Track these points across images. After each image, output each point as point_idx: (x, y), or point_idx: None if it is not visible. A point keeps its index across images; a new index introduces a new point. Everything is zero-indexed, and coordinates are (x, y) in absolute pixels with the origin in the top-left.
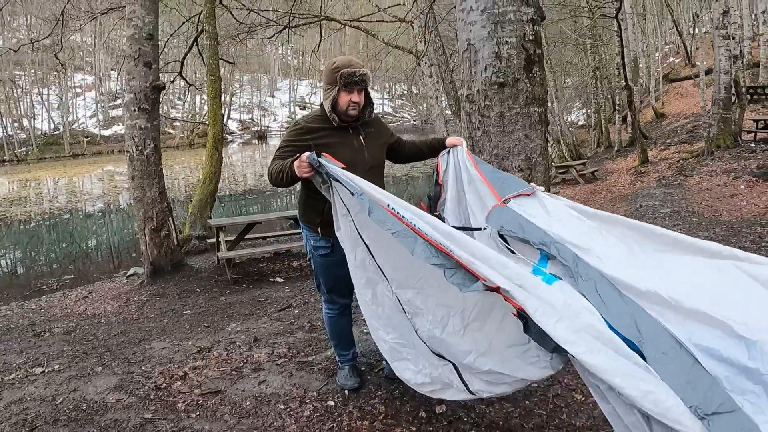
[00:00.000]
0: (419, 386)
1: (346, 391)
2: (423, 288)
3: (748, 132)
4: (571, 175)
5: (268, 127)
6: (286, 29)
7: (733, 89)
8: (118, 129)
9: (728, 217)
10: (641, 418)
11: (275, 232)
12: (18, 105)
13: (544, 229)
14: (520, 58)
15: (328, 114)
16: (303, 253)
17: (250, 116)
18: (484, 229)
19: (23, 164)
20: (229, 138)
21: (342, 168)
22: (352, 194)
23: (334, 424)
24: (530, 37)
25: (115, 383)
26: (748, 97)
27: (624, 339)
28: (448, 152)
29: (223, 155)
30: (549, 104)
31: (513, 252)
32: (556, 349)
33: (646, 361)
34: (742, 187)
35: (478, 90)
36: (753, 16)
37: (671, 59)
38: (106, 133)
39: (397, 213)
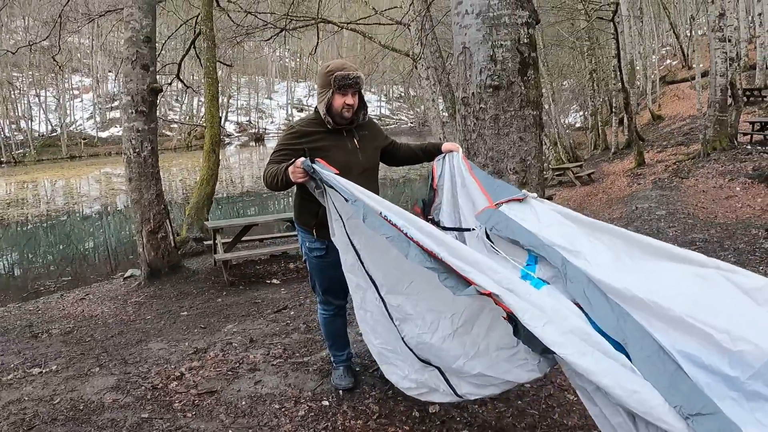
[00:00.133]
0: (406, 390)
1: (341, 391)
2: (413, 293)
3: (744, 134)
4: (568, 177)
5: (265, 129)
6: (283, 32)
7: (730, 91)
8: (116, 131)
9: (723, 218)
10: (627, 418)
11: (272, 234)
12: (15, 107)
13: (534, 232)
14: (515, 62)
15: (323, 117)
16: (299, 255)
17: (247, 118)
18: (473, 230)
19: (20, 166)
20: (227, 140)
21: (336, 173)
22: (346, 200)
23: (329, 424)
24: (525, 41)
25: (112, 383)
26: (745, 99)
27: (610, 340)
28: (444, 157)
29: (221, 157)
30: (546, 107)
31: (498, 253)
32: (545, 351)
33: (631, 362)
34: (738, 189)
35: (473, 93)
36: (750, 18)
37: (668, 61)
38: (104, 134)
39: (390, 220)
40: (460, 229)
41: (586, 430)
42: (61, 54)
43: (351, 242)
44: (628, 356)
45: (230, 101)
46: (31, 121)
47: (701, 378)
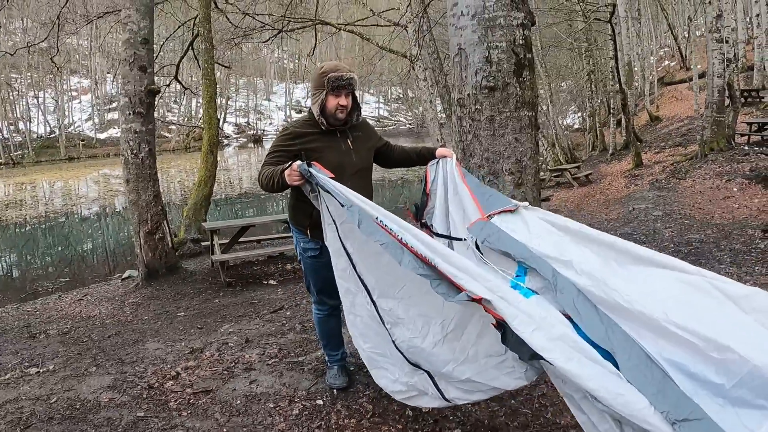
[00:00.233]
0: (395, 393)
1: (335, 390)
2: (405, 297)
3: (742, 135)
4: (566, 178)
5: (264, 130)
6: (281, 33)
7: (727, 92)
8: (114, 132)
9: (720, 219)
10: (614, 425)
11: (270, 235)
12: (14, 108)
13: (525, 243)
14: (510, 63)
15: (317, 118)
16: (296, 256)
17: (246, 120)
18: (464, 240)
19: (19, 167)
20: (225, 141)
21: (331, 177)
22: (342, 206)
23: (322, 422)
24: (520, 42)
25: (108, 383)
26: (742, 100)
27: (599, 350)
28: (438, 162)
29: (219, 159)
30: (544, 108)
31: (488, 263)
32: (534, 357)
33: (619, 370)
34: (735, 189)
35: (468, 94)
36: (748, 19)
37: (666, 62)
38: (102, 136)
39: (385, 226)
40: (451, 238)
41: (579, 430)
42: (59, 55)
43: (343, 246)
44: (616, 365)
45: (229, 103)
46: (30, 122)
47: (688, 385)
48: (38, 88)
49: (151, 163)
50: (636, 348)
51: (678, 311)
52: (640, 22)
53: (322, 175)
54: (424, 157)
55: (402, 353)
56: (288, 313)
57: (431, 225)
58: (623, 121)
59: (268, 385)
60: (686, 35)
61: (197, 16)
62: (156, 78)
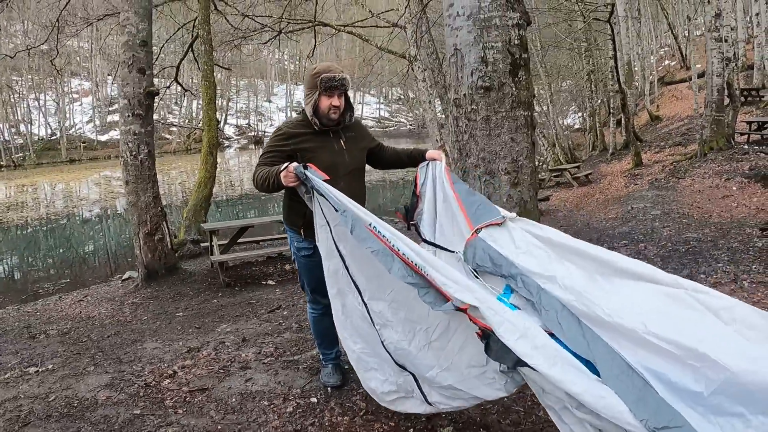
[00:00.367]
0: (385, 395)
1: (329, 389)
2: (393, 301)
3: (742, 134)
4: (566, 178)
5: (264, 132)
6: (281, 35)
7: (726, 91)
8: (115, 134)
9: (718, 218)
10: None
11: (270, 235)
12: (15, 110)
13: (511, 260)
14: (506, 63)
15: (310, 118)
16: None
17: (246, 121)
18: (454, 252)
19: (20, 169)
20: (226, 143)
21: (326, 179)
22: (336, 210)
23: (316, 420)
24: (516, 42)
25: (106, 381)
26: (742, 99)
27: (581, 360)
28: (428, 165)
29: (220, 160)
30: (544, 108)
31: (477, 277)
32: (518, 363)
33: (602, 380)
34: (734, 188)
35: (464, 94)
36: (748, 18)
37: (667, 62)
38: (103, 138)
39: (378, 232)
40: (439, 247)
41: None
42: (60, 58)
43: (337, 248)
44: (598, 374)
45: (229, 104)
46: (31, 124)
47: (668, 394)
48: (39, 90)
49: (150, 164)
50: (617, 358)
51: (658, 322)
52: (640, 22)
53: (317, 177)
54: (415, 158)
55: (390, 354)
56: (285, 313)
57: (420, 230)
58: (623, 121)
59: (263, 383)
60: (686, 34)
61: (197, 18)
62: (156, 80)
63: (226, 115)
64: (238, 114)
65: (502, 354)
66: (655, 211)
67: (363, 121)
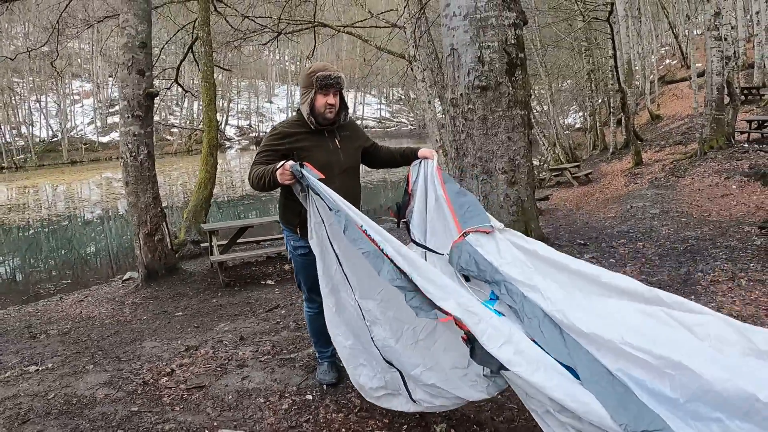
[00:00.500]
0: (373, 391)
1: (325, 386)
2: (383, 300)
3: (742, 132)
4: (566, 177)
5: (265, 133)
6: (281, 35)
7: (726, 90)
8: (116, 135)
9: (717, 216)
10: None
11: (270, 235)
12: (16, 112)
13: (496, 266)
14: (503, 62)
15: (306, 117)
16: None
17: (247, 122)
18: (443, 254)
19: (21, 171)
20: (227, 144)
21: (321, 177)
22: (330, 209)
23: (311, 416)
24: (512, 41)
25: (105, 379)
26: (743, 97)
27: (562, 365)
28: (420, 163)
29: (222, 161)
30: (545, 107)
31: (467, 279)
32: (501, 368)
33: (582, 384)
34: (734, 187)
35: (461, 94)
36: (748, 17)
37: (668, 61)
38: (104, 139)
39: (369, 235)
40: (429, 249)
41: None
42: (60, 59)
43: (332, 245)
44: (579, 379)
45: (230, 105)
46: (32, 126)
47: (648, 398)
48: (40, 92)
49: (150, 165)
50: (598, 365)
51: (634, 336)
52: (640, 21)
53: (313, 176)
54: (408, 157)
55: (378, 350)
56: (283, 312)
57: (410, 229)
58: (623, 120)
59: (259, 380)
60: (686, 33)
61: (196, 19)
62: (157, 81)
63: (227, 116)
64: (239, 115)
65: (486, 359)
66: (654, 210)
67: (364, 122)
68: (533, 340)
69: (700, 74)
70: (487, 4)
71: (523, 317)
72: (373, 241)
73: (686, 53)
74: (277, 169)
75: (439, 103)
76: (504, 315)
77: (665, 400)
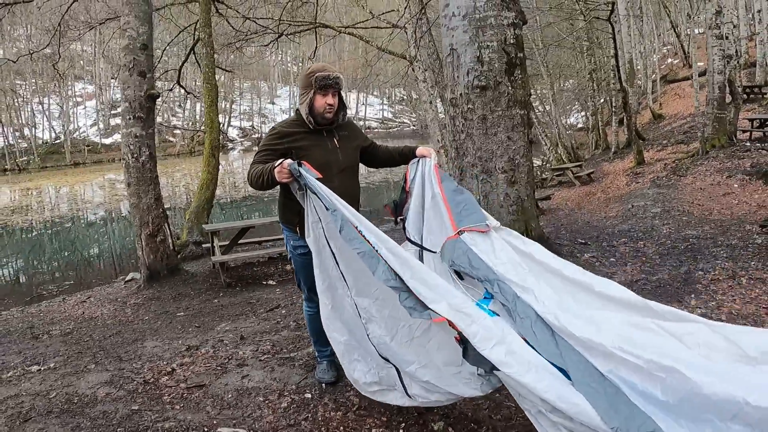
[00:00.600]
0: (367, 386)
1: (323, 385)
2: (378, 298)
3: (744, 131)
4: (568, 177)
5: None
6: (282, 36)
7: (728, 89)
8: (119, 137)
9: (718, 215)
10: None
11: (271, 236)
12: (19, 114)
13: (490, 265)
14: (502, 62)
15: (305, 117)
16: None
17: (250, 123)
18: (437, 252)
19: (24, 173)
20: (230, 145)
21: (319, 177)
22: (327, 209)
23: (309, 415)
24: (511, 41)
25: (106, 379)
26: (744, 96)
27: (554, 367)
28: (418, 162)
29: (224, 162)
30: (547, 107)
31: (461, 278)
32: (494, 369)
33: (573, 385)
34: (736, 185)
35: (461, 94)
36: (750, 15)
37: (670, 60)
38: (107, 141)
39: (364, 236)
40: (424, 248)
41: None
42: (63, 61)
43: (329, 244)
44: (569, 380)
45: (233, 106)
46: (35, 128)
47: (640, 399)
48: (43, 94)
49: (152, 166)
50: (589, 366)
51: (624, 342)
52: (642, 20)
53: (310, 175)
54: (406, 156)
55: (374, 347)
56: (283, 311)
57: (406, 227)
58: (625, 120)
59: (259, 379)
60: (688, 33)
61: (198, 21)
62: (159, 83)
63: (230, 118)
64: (242, 116)
65: (479, 359)
66: (655, 209)
67: (367, 122)
68: (525, 340)
69: (702, 73)
70: (486, 4)
71: (515, 317)
72: (368, 241)
73: (688, 52)
74: (276, 167)
75: (441, 103)
76: (498, 315)
77: (656, 402)
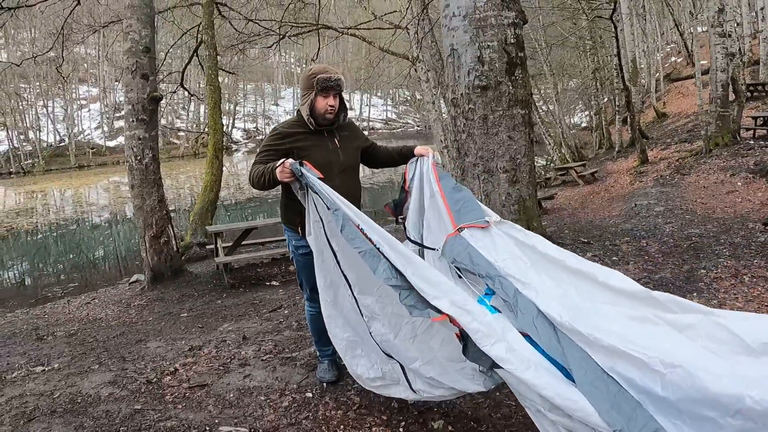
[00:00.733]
0: (370, 381)
1: (325, 384)
2: (381, 296)
3: (747, 129)
4: (571, 176)
5: None
6: (285, 38)
7: (731, 87)
8: (123, 140)
9: (722, 213)
10: None
11: (276, 237)
12: (23, 117)
13: (491, 261)
14: (502, 62)
15: (306, 118)
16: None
17: (254, 125)
18: (437, 249)
19: (29, 176)
20: (234, 147)
21: (320, 178)
22: (328, 208)
23: (310, 414)
24: (512, 41)
25: (109, 379)
26: (748, 94)
27: (557, 366)
28: (417, 161)
29: (229, 164)
30: (550, 107)
31: (461, 277)
32: (494, 366)
33: (575, 386)
34: (739, 184)
35: (462, 94)
36: (753, 13)
37: (673, 59)
38: (111, 144)
39: (366, 233)
40: (424, 246)
41: None
42: (67, 65)
43: (329, 243)
44: (573, 381)
45: (237, 108)
46: (39, 131)
47: (642, 397)
48: (47, 97)
49: (155, 168)
50: (591, 363)
51: (626, 336)
52: (645, 19)
53: (312, 175)
54: (405, 155)
55: (377, 344)
56: (286, 312)
57: (406, 226)
58: (628, 119)
59: (261, 379)
60: (692, 31)
61: (201, 23)
62: (163, 85)
63: (234, 119)
64: (246, 118)
65: (478, 356)
66: (658, 208)
67: (370, 123)
68: (527, 335)
69: (705, 71)
70: (486, 4)
71: (516, 312)
72: (369, 239)
73: (691, 50)
74: (277, 167)
75: (444, 103)
76: (500, 311)
77: (656, 399)
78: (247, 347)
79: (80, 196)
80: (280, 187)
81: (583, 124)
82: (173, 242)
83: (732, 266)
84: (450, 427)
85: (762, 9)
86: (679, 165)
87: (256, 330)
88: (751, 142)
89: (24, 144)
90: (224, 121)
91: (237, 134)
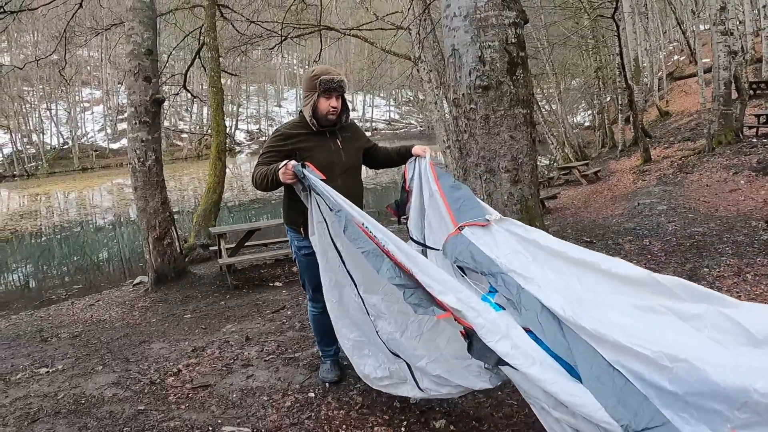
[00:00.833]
0: (378, 380)
1: (327, 384)
2: (387, 294)
3: (750, 127)
4: (574, 176)
5: None
6: (287, 39)
7: (734, 85)
8: (126, 142)
9: (725, 212)
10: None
11: (279, 238)
12: (27, 120)
13: (493, 258)
14: (503, 62)
15: (309, 120)
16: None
17: (257, 126)
18: (439, 250)
19: (33, 179)
20: (237, 148)
21: (323, 179)
22: (331, 209)
23: (312, 414)
24: (513, 41)
25: (113, 380)
26: (751, 92)
27: (562, 363)
28: (415, 160)
29: (232, 165)
30: (553, 106)
31: (464, 275)
32: (499, 362)
33: (581, 381)
34: (742, 182)
35: (463, 94)
36: (756, 11)
37: (676, 57)
38: (115, 146)
39: (370, 232)
40: (426, 246)
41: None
42: (69, 67)
43: (334, 243)
44: (578, 377)
45: (240, 110)
46: (43, 134)
47: (650, 391)
48: (50, 100)
49: (158, 170)
50: (598, 357)
51: (631, 330)
52: (647, 17)
53: (314, 176)
54: (404, 155)
55: (384, 343)
56: (289, 312)
57: (408, 227)
58: (631, 118)
59: (263, 379)
60: (694, 29)
61: (203, 25)
62: (165, 87)
63: (237, 121)
64: (249, 119)
65: (483, 353)
66: (661, 207)
67: (373, 124)
68: (531, 331)
69: (708, 70)
70: (487, 4)
71: (520, 308)
72: (374, 238)
73: (693, 49)
74: (280, 169)
75: (446, 103)
76: (503, 308)
77: (663, 392)
78: (250, 348)
79: (84, 198)
80: (282, 188)
81: (586, 124)
82: (176, 244)
83: (735, 264)
84: (452, 427)
85: (764, 6)
86: (682, 163)
87: (259, 331)
88: (754, 140)
89: (27, 147)
90: (227, 123)
91: (240, 136)
